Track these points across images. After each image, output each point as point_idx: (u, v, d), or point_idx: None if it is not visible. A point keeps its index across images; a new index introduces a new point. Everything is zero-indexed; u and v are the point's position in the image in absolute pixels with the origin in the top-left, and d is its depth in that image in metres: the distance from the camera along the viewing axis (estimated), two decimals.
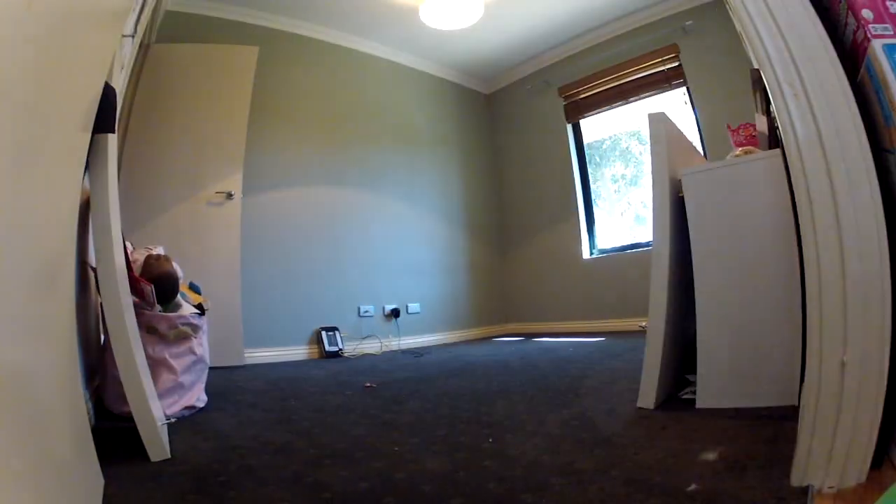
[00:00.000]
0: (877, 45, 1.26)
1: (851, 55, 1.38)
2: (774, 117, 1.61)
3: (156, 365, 2.20)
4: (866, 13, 1.31)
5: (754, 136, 2.23)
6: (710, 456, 1.54)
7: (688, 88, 5.19)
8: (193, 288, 2.91)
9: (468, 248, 6.46)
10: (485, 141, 7.02)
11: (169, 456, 1.77)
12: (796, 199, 1.39)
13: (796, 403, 1.71)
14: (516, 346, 4.86)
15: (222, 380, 3.32)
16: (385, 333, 5.38)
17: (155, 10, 3.83)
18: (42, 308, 1.11)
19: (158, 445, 1.75)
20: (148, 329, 2.23)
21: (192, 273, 3.03)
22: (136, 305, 1.97)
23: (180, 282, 2.59)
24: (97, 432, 1.60)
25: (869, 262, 1.25)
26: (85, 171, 1.50)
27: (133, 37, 1.83)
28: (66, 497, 1.10)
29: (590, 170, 6.18)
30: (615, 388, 2.63)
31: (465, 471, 1.62)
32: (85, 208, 1.76)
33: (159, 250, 2.59)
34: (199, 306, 2.62)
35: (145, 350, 1.95)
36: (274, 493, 1.51)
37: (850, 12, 1.35)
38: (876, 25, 1.29)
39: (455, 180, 6.51)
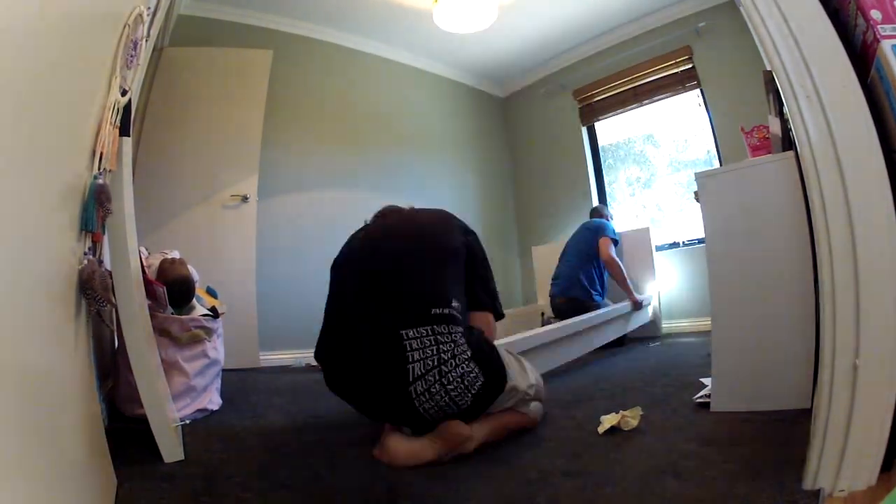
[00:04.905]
0: (886, 46, 1.26)
1: (862, 56, 1.38)
2: (787, 119, 1.60)
3: (167, 368, 2.20)
4: (875, 14, 1.30)
5: (767, 138, 2.22)
6: (724, 459, 1.53)
7: (701, 90, 5.16)
8: (210, 292, 2.92)
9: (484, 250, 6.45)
10: (500, 144, 7.02)
11: (182, 457, 1.78)
12: (809, 202, 1.39)
13: (809, 406, 1.70)
14: None
15: (237, 382, 3.33)
16: None
17: (168, 14, 3.85)
18: (56, 311, 1.12)
19: (172, 446, 1.77)
20: (160, 332, 2.24)
21: (208, 276, 3.05)
22: (148, 308, 1.99)
23: (196, 285, 2.61)
24: (110, 434, 1.62)
25: (882, 264, 1.24)
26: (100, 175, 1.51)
27: (146, 40, 1.85)
28: (79, 497, 1.12)
29: (605, 172, 6.16)
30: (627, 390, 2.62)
31: (481, 474, 1.63)
32: None
33: (174, 254, 2.61)
34: (213, 309, 2.63)
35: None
36: (289, 495, 1.52)
37: (859, 13, 1.35)
38: (885, 26, 1.29)
39: (470, 183, 6.51)
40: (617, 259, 4.63)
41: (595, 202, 6.03)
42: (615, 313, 4.25)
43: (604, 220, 4.95)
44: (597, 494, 1.40)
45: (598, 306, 4.44)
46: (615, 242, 4.77)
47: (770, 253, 1.97)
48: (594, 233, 4.79)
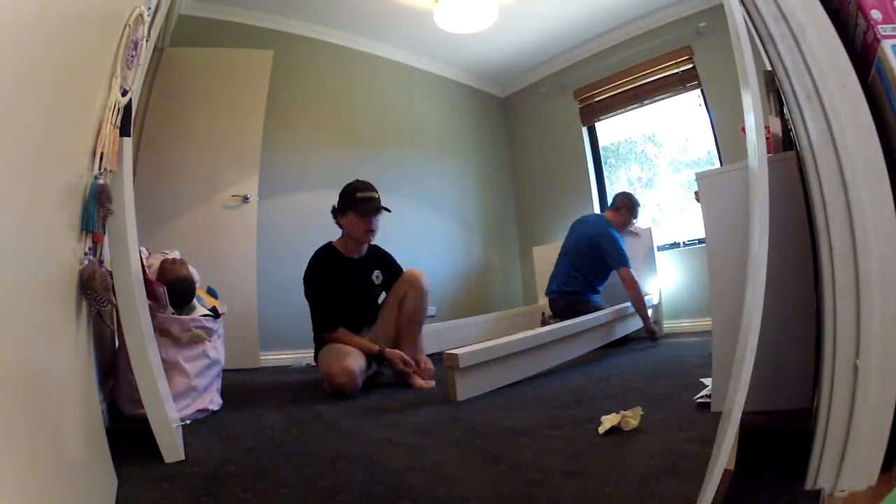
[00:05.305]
0: (886, 46, 1.26)
1: (862, 56, 1.38)
2: (788, 119, 1.60)
3: (168, 368, 2.19)
4: (875, 14, 1.30)
5: (768, 138, 2.21)
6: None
7: (702, 90, 5.16)
8: (211, 292, 2.92)
9: (485, 251, 6.46)
10: (501, 144, 7.02)
11: (183, 457, 1.78)
12: (810, 201, 1.39)
13: (809, 406, 1.70)
14: None
15: (237, 382, 3.33)
16: None
17: (168, 14, 3.84)
18: (57, 311, 1.13)
19: (173, 447, 1.77)
20: (161, 332, 2.24)
21: (209, 276, 3.05)
22: (149, 308, 1.98)
23: (197, 285, 2.61)
24: (111, 433, 1.62)
25: (882, 264, 1.24)
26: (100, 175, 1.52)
27: (147, 40, 1.85)
28: (79, 497, 1.12)
29: (605, 172, 6.17)
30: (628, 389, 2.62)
31: (482, 474, 1.63)
32: None
33: (175, 254, 2.61)
34: (214, 309, 2.63)
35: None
36: (290, 495, 1.52)
37: (859, 13, 1.35)
38: (885, 26, 1.29)
39: (471, 183, 6.51)
40: (638, 284, 4.44)
41: (595, 202, 6.03)
42: (615, 315, 4.28)
43: (610, 234, 4.64)
44: (597, 494, 1.40)
45: (591, 304, 4.50)
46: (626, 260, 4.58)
47: (770, 253, 1.97)
48: (598, 249, 4.61)
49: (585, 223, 4.91)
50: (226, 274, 3.93)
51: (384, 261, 3.56)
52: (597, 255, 4.61)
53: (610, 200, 5.17)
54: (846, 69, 1.33)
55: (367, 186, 3.31)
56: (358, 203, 3.23)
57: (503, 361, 2.93)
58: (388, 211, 3.30)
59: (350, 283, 3.31)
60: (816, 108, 1.35)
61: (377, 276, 3.47)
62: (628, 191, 5.18)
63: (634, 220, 4.97)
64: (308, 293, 3.30)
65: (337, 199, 3.36)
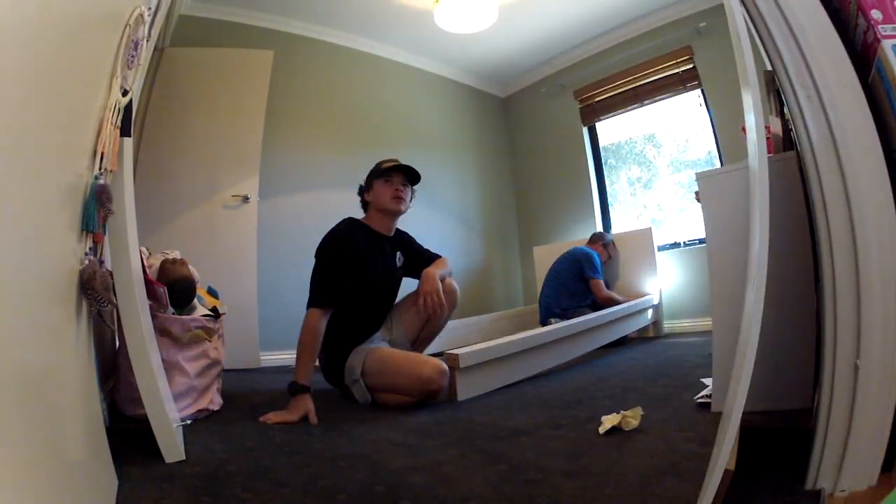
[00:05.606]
0: (887, 46, 1.26)
1: (862, 56, 1.38)
2: (788, 119, 1.60)
3: (168, 368, 2.19)
4: (875, 14, 1.31)
5: (768, 137, 2.21)
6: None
7: (702, 90, 5.16)
8: (212, 292, 2.92)
9: (485, 251, 6.46)
10: (501, 144, 7.01)
11: (184, 457, 1.78)
12: (810, 201, 1.39)
13: (810, 406, 1.70)
14: None
15: (238, 382, 3.33)
16: None
17: (169, 14, 3.84)
18: (57, 311, 1.12)
19: (173, 447, 1.76)
20: (161, 332, 2.23)
21: (209, 276, 3.05)
22: (149, 308, 1.98)
23: (197, 285, 2.60)
24: (112, 433, 1.61)
25: (883, 263, 1.24)
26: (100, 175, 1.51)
27: (147, 40, 1.84)
28: (80, 496, 1.12)
29: (605, 172, 6.16)
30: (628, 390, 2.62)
31: (482, 474, 1.62)
32: None
33: (175, 254, 2.61)
34: (214, 309, 2.63)
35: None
36: (290, 495, 1.51)
37: (860, 13, 1.35)
38: (885, 26, 1.29)
39: (471, 183, 6.51)
40: (613, 296, 4.80)
41: (595, 202, 6.04)
42: (615, 315, 4.29)
43: (586, 252, 5.01)
44: (597, 494, 1.40)
45: (583, 311, 4.62)
46: (602, 278, 4.92)
47: (770, 253, 1.97)
48: (578, 265, 4.93)
49: (566, 253, 5.15)
50: (226, 274, 3.92)
51: (405, 241, 3.35)
52: (578, 273, 4.90)
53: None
54: (846, 69, 1.33)
55: (393, 159, 3.23)
56: (383, 169, 3.17)
57: (503, 361, 2.93)
58: (417, 176, 3.21)
59: (376, 259, 3.06)
60: (816, 108, 1.35)
61: (399, 258, 3.25)
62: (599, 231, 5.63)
63: (610, 253, 5.21)
64: (323, 261, 3.03)
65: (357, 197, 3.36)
